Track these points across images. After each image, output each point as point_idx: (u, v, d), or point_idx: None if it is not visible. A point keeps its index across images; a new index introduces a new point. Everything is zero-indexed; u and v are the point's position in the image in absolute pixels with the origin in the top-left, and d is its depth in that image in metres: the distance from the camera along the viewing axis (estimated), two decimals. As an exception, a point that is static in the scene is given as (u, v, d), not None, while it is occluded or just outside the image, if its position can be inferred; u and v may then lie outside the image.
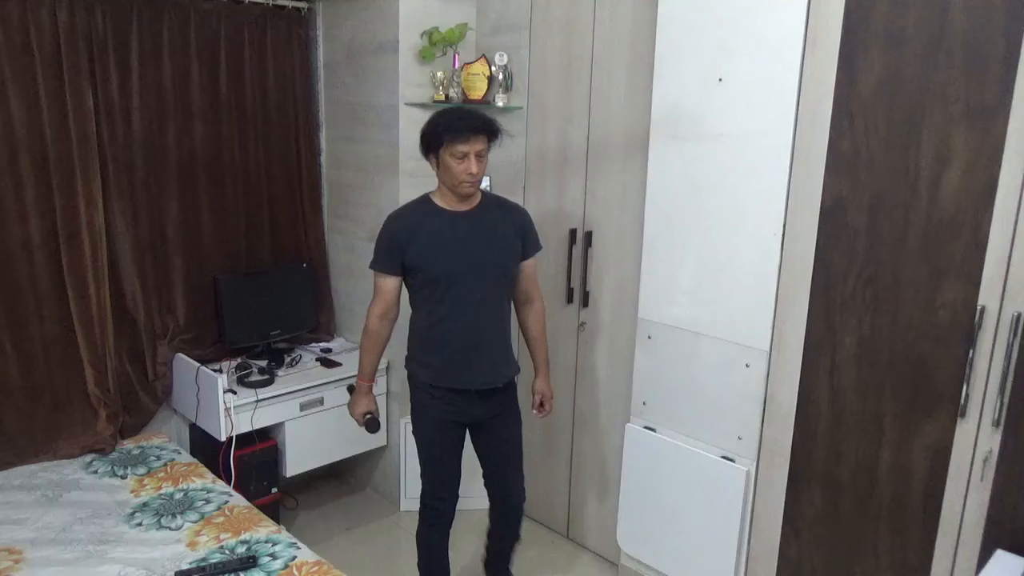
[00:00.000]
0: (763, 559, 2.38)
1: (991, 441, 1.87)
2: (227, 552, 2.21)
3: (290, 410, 3.01)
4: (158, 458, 2.79)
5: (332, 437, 3.14)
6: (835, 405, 2.16)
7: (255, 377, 2.99)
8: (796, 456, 2.26)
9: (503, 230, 2.31)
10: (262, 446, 2.99)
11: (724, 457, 2.39)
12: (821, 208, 2.10)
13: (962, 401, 1.90)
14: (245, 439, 2.92)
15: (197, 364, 2.96)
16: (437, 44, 2.94)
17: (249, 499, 2.62)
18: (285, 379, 3.04)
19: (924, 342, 1.96)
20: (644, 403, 2.60)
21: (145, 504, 2.48)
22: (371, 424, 2.43)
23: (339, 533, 3.16)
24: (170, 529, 2.33)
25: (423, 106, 2.97)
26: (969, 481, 1.92)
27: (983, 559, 1.89)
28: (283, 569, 2.13)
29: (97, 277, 2.81)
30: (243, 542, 2.26)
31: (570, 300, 2.93)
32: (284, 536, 2.31)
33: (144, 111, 2.88)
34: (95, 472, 2.69)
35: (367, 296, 2.39)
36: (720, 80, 2.24)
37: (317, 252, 3.44)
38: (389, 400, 3.28)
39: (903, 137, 1.93)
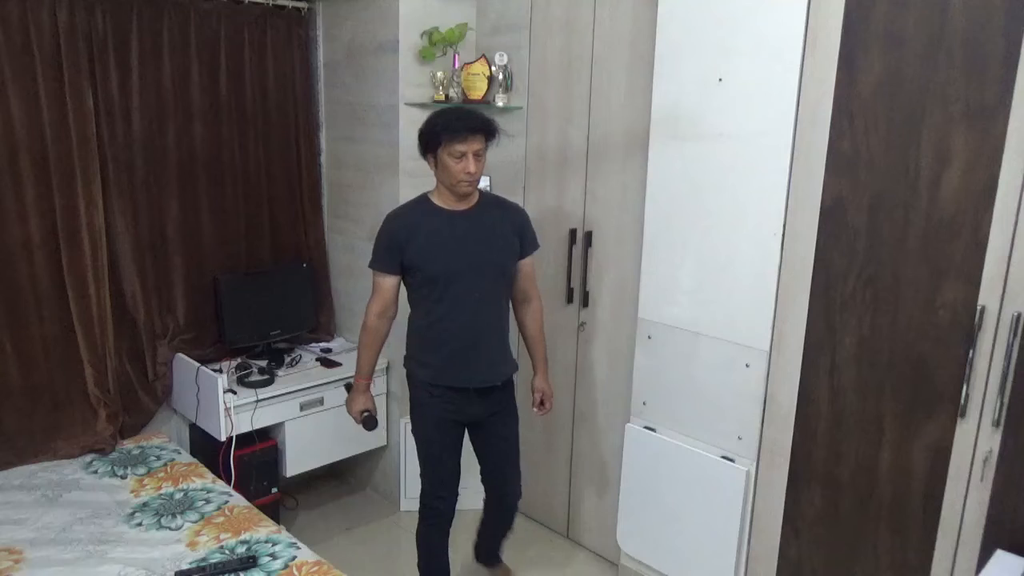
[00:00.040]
0: (763, 559, 2.38)
1: (991, 441, 1.87)
2: (227, 552, 2.21)
3: (290, 410, 3.01)
4: (158, 458, 2.79)
5: (332, 437, 3.14)
6: (835, 405, 2.16)
7: (255, 377, 2.99)
8: (796, 456, 2.26)
9: (501, 229, 2.32)
10: (262, 446, 2.99)
11: (724, 457, 2.39)
12: (821, 208, 2.10)
13: (962, 401, 1.90)
14: (245, 439, 2.92)
15: (197, 364, 2.96)
16: (437, 44, 2.94)
17: (249, 499, 2.62)
18: (285, 379, 3.04)
19: (924, 342, 1.96)
20: (644, 403, 2.60)
21: (145, 504, 2.48)
22: (368, 422, 2.43)
23: (339, 533, 3.16)
24: (170, 529, 2.33)
25: (423, 106, 2.97)
26: (969, 481, 1.92)
27: (983, 559, 1.89)
28: (283, 569, 2.13)
29: (97, 277, 2.81)
30: (243, 542, 2.26)
31: (570, 300, 2.93)
32: (284, 536, 2.31)
33: (144, 111, 2.88)
34: (95, 472, 2.69)
35: (367, 296, 2.39)
36: (720, 80, 2.24)
37: (317, 252, 3.44)
38: (389, 400, 3.27)
39: (903, 137, 1.93)
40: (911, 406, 2.01)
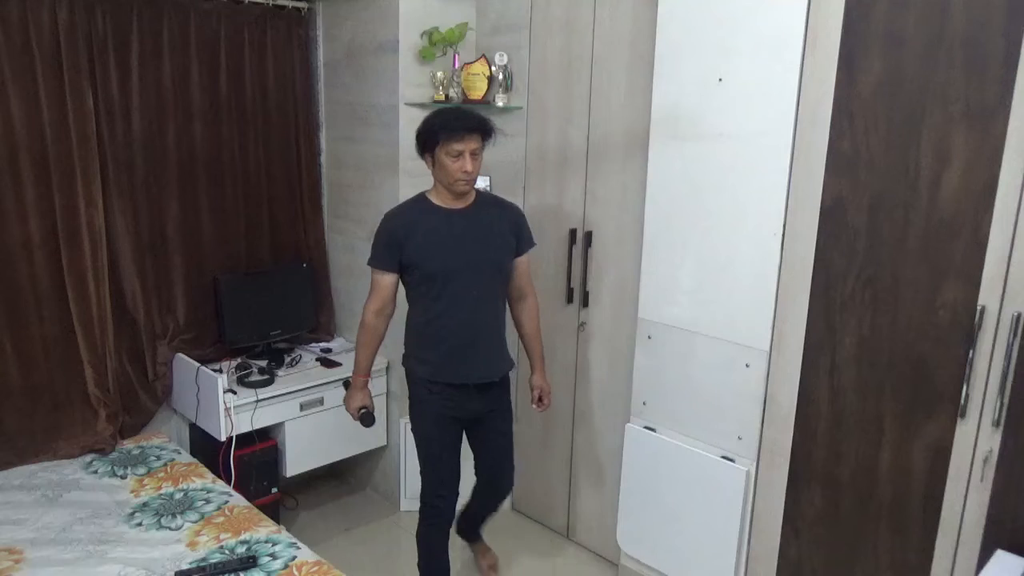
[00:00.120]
0: (763, 559, 2.38)
1: (991, 441, 1.87)
2: (227, 552, 2.21)
3: (290, 410, 3.01)
4: (158, 458, 2.79)
5: (332, 437, 3.14)
6: (835, 405, 2.16)
7: (255, 377, 2.99)
8: (796, 456, 2.26)
9: (499, 227, 2.36)
10: (262, 446, 2.99)
11: (724, 457, 2.39)
12: (821, 208, 2.10)
13: (962, 401, 1.90)
14: (245, 439, 2.92)
15: (197, 364, 2.96)
16: (437, 44, 2.94)
17: (249, 499, 2.62)
18: (285, 379, 3.04)
19: (924, 342, 1.96)
20: (644, 403, 2.60)
21: (145, 504, 2.48)
22: (366, 418, 2.44)
23: (339, 533, 3.16)
24: (170, 529, 2.33)
25: (423, 106, 2.96)
26: (969, 481, 1.92)
27: (983, 559, 1.89)
28: (283, 569, 2.13)
29: (97, 277, 2.81)
30: (243, 542, 2.26)
31: (570, 300, 2.93)
32: (284, 536, 2.31)
33: (144, 111, 2.88)
34: (95, 472, 2.69)
35: (367, 296, 2.39)
36: (720, 80, 2.24)
37: (317, 252, 3.44)
38: (388, 400, 3.28)
39: (903, 137, 1.93)
40: (911, 406, 2.01)
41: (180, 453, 2.85)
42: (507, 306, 2.52)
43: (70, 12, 2.63)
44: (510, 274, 2.43)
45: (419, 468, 2.45)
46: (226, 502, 2.49)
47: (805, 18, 2.04)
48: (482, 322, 2.35)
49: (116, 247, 2.90)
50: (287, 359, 3.18)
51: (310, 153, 3.36)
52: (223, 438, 2.84)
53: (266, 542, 2.27)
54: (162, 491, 2.56)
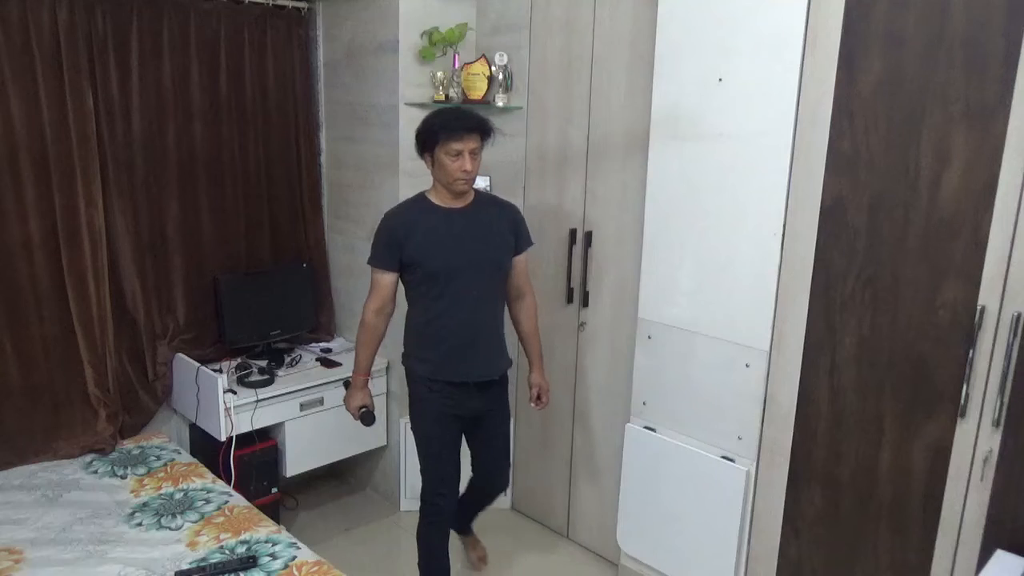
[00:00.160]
0: (763, 559, 2.38)
1: (991, 441, 1.87)
2: (227, 552, 2.21)
3: (290, 410, 3.01)
4: (158, 458, 2.79)
5: (332, 437, 3.14)
6: (835, 405, 2.16)
7: (255, 377, 2.99)
8: (796, 456, 2.26)
9: (498, 227, 2.38)
10: (262, 446, 2.99)
11: (724, 457, 2.39)
12: (821, 208, 2.10)
13: (962, 401, 1.90)
14: (245, 439, 2.92)
15: (197, 364, 2.96)
16: (437, 44, 2.94)
17: (249, 499, 2.62)
18: (285, 379, 3.04)
19: (924, 342, 1.96)
20: (644, 403, 2.60)
21: (145, 504, 2.48)
22: (366, 417, 2.44)
23: (339, 533, 3.16)
24: (170, 529, 2.33)
25: (423, 106, 2.96)
26: (969, 481, 1.92)
27: (983, 559, 1.89)
28: (283, 569, 2.13)
29: (97, 277, 2.81)
30: (243, 542, 2.26)
31: (570, 300, 2.93)
32: (284, 536, 2.31)
33: (144, 111, 2.88)
34: (95, 472, 2.69)
35: (367, 296, 2.39)
36: (720, 80, 2.24)
37: (317, 252, 3.44)
38: (388, 400, 3.27)
39: (903, 137, 1.93)
40: (911, 406, 2.01)
41: (180, 453, 2.85)
42: (505, 305, 2.53)
43: (70, 12, 2.63)
44: (509, 273, 2.44)
45: (419, 467, 2.45)
46: (226, 502, 2.50)
47: (805, 18, 2.04)
48: (482, 321, 2.36)
49: (116, 247, 2.90)
50: (287, 359, 3.18)
51: (310, 153, 3.36)
52: (223, 438, 2.84)
53: (266, 542, 2.27)
54: (162, 491, 2.56)
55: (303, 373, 3.12)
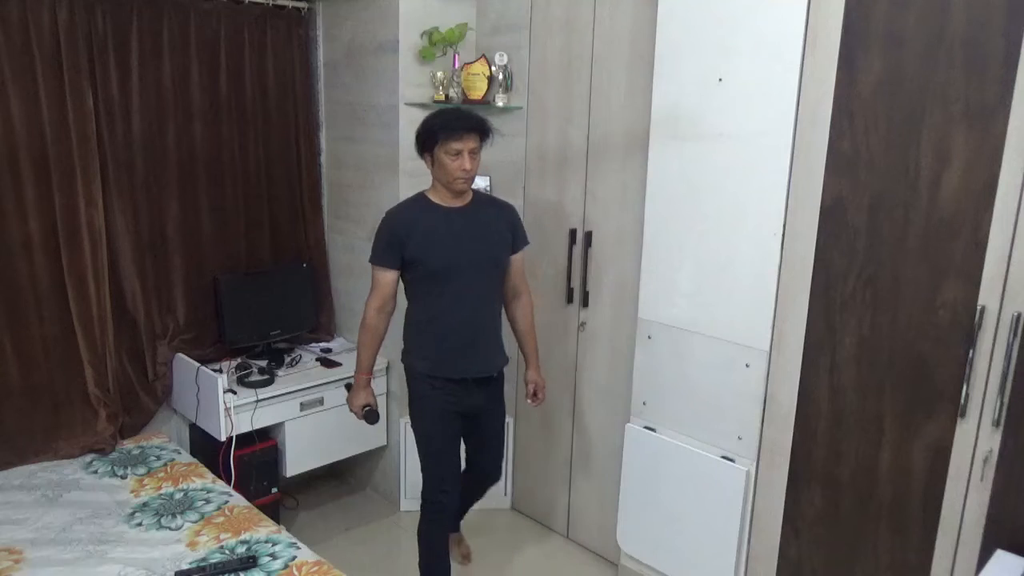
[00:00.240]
0: (763, 559, 2.38)
1: (991, 441, 1.87)
2: (227, 552, 2.21)
3: (290, 410, 3.01)
4: (158, 458, 2.79)
5: (332, 437, 3.14)
6: (835, 405, 2.16)
7: (255, 377, 2.99)
8: (796, 456, 2.26)
9: (496, 226, 2.41)
10: (262, 446, 2.99)
11: (724, 457, 2.39)
12: (821, 208, 2.10)
13: (962, 401, 1.90)
14: (245, 439, 2.92)
15: (197, 364, 2.96)
16: (437, 44, 2.94)
17: (249, 499, 2.62)
18: (285, 379, 3.04)
19: (924, 342, 1.96)
20: (644, 403, 2.60)
21: (145, 504, 2.48)
22: (370, 416, 2.45)
23: (339, 533, 3.16)
24: (170, 529, 2.33)
25: (423, 106, 2.96)
26: (969, 481, 1.92)
27: (983, 559, 1.89)
28: (283, 569, 2.13)
29: (97, 277, 2.81)
30: (243, 542, 2.26)
31: (570, 300, 2.93)
32: (284, 536, 2.31)
33: (144, 111, 2.88)
34: (95, 472, 2.69)
35: (367, 295, 2.40)
36: (720, 80, 2.24)
37: (317, 252, 3.44)
38: (388, 400, 3.27)
39: (903, 137, 1.93)
40: (911, 406, 2.01)
41: (180, 453, 2.85)
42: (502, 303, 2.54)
43: (70, 12, 2.63)
44: (506, 272, 2.46)
45: (420, 465, 2.45)
46: (226, 502, 2.49)
47: (805, 18, 2.04)
48: (481, 318, 2.39)
49: (116, 247, 2.90)
50: (287, 359, 3.18)
51: (310, 153, 3.36)
52: (223, 438, 2.84)
53: (266, 542, 2.27)
54: (162, 491, 2.56)
55: (303, 373, 3.12)
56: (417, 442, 2.45)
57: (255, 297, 3.21)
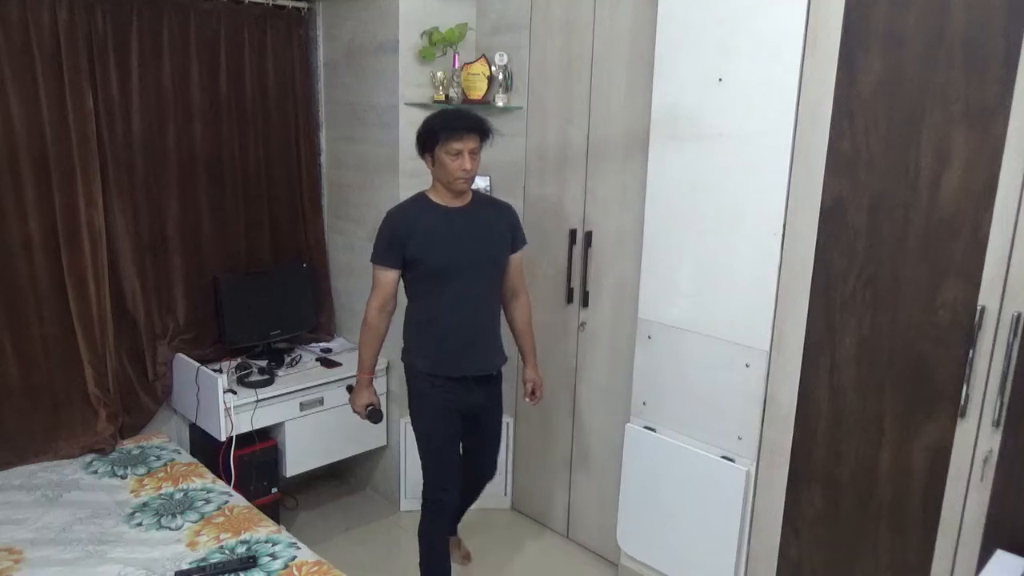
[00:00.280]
0: (763, 559, 2.38)
1: (991, 441, 1.87)
2: (227, 552, 2.21)
3: (290, 410, 3.01)
4: (158, 458, 2.79)
5: (332, 437, 3.14)
6: (835, 405, 2.16)
7: (255, 377, 2.99)
8: (796, 456, 2.26)
9: (496, 226, 2.43)
10: (262, 446, 2.99)
11: (724, 457, 2.39)
12: (821, 208, 2.10)
13: (962, 401, 1.90)
14: (245, 439, 2.92)
15: (197, 364, 2.96)
16: (437, 44, 2.94)
17: (249, 499, 2.62)
18: (285, 379, 3.04)
19: (924, 342, 1.96)
20: (644, 403, 2.60)
21: (145, 504, 2.48)
22: (374, 415, 2.46)
23: (339, 533, 3.16)
24: (170, 529, 2.33)
25: (423, 106, 2.96)
26: (969, 481, 1.92)
27: (983, 559, 1.89)
28: (283, 569, 2.13)
29: (97, 277, 2.81)
30: (243, 542, 2.26)
31: (570, 300, 2.93)
32: (284, 536, 2.31)
33: (144, 111, 2.88)
34: (95, 472, 2.69)
35: (367, 296, 2.41)
36: (720, 80, 2.24)
37: (317, 252, 3.44)
38: (389, 401, 3.27)
39: (903, 137, 1.93)
40: (911, 406, 2.01)
41: (180, 453, 2.85)
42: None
43: (70, 12, 2.63)
44: (505, 271, 2.48)
45: (420, 464, 2.45)
46: (226, 502, 2.49)
47: (805, 18, 2.04)
48: (481, 318, 2.41)
49: (116, 247, 2.90)
50: (287, 359, 3.18)
51: (310, 153, 3.36)
52: (223, 438, 2.84)
53: (266, 542, 2.27)
54: (162, 491, 2.56)
55: (303, 373, 3.12)
56: (417, 441, 2.45)
57: (255, 297, 3.21)
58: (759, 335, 2.26)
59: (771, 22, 2.10)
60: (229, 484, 2.72)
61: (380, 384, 3.20)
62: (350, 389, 2.51)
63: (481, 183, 3.03)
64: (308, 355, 3.28)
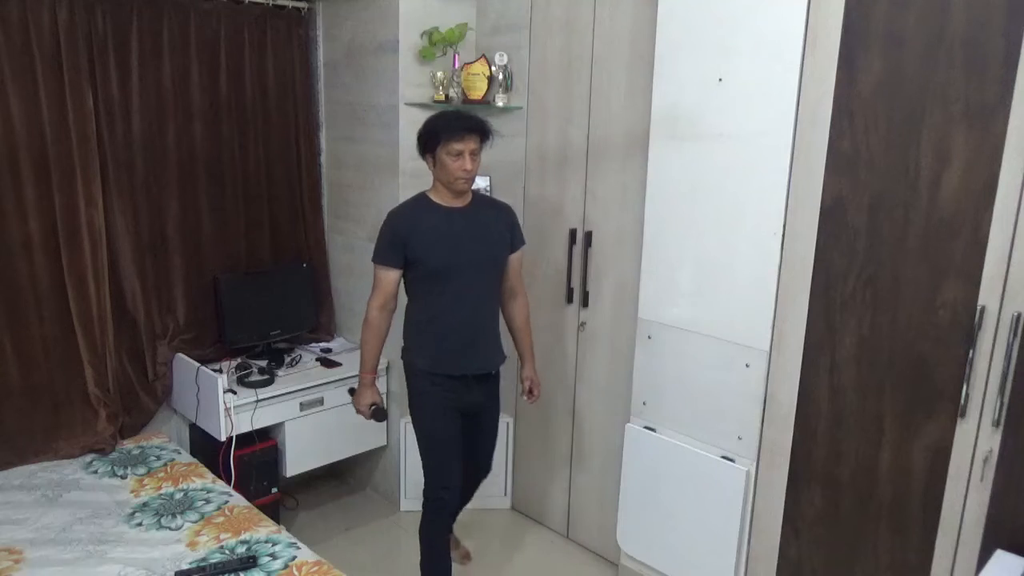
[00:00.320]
0: (763, 559, 2.38)
1: (991, 441, 1.87)
2: (227, 552, 2.21)
3: (290, 410, 3.01)
4: (158, 458, 2.79)
5: (332, 437, 3.14)
6: (835, 405, 2.16)
7: (255, 377, 2.99)
8: (796, 456, 2.26)
9: (496, 226, 2.45)
10: (262, 446, 2.99)
11: (724, 457, 2.39)
12: (821, 208, 2.10)
13: (962, 401, 1.90)
14: (245, 439, 2.92)
15: (197, 364, 2.96)
16: (437, 44, 2.94)
17: (249, 499, 2.62)
18: (285, 379, 3.04)
19: (924, 342, 1.96)
20: (644, 403, 2.60)
21: (145, 504, 2.48)
22: (378, 413, 2.47)
23: (339, 533, 3.16)
24: (170, 529, 2.33)
25: (423, 106, 2.97)
26: (969, 481, 1.92)
27: (983, 559, 1.88)
28: (283, 569, 2.13)
29: (97, 277, 2.81)
30: (243, 542, 2.26)
31: (570, 300, 2.93)
32: (284, 536, 2.31)
33: (144, 111, 2.88)
34: (95, 472, 2.69)
35: (367, 296, 2.41)
36: (720, 80, 2.24)
37: (317, 252, 3.44)
38: (389, 400, 3.27)
39: (903, 137, 1.93)
40: (911, 406, 2.01)
41: (180, 453, 2.85)
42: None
43: (70, 12, 2.63)
44: (504, 271, 2.50)
45: (421, 463, 2.46)
46: (226, 502, 2.49)
47: (805, 18, 2.04)
48: (481, 317, 2.43)
49: (116, 247, 2.90)
50: (287, 359, 3.18)
51: (310, 153, 3.36)
52: (223, 438, 2.84)
53: (266, 542, 2.27)
54: (162, 491, 2.56)
55: (303, 373, 3.12)
56: (418, 439, 2.46)
57: (255, 297, 3.21)
58: (759, 335, 2.26)
59: (771, 22, 2.10)
60: (229, 484, 2.72)
61: (380, 384, 3.19)
62: (352, 392, 2.51)
63: (481, 183, 3.03)
64: (308, 355, 3.28)
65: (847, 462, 2.16)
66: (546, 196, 2.96)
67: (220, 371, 2.91)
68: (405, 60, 2.95)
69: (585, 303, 2.89)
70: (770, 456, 2.31)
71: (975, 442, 1.90)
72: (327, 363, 3.21)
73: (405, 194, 2.76)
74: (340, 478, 3.58)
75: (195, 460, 2.80)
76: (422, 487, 2.47)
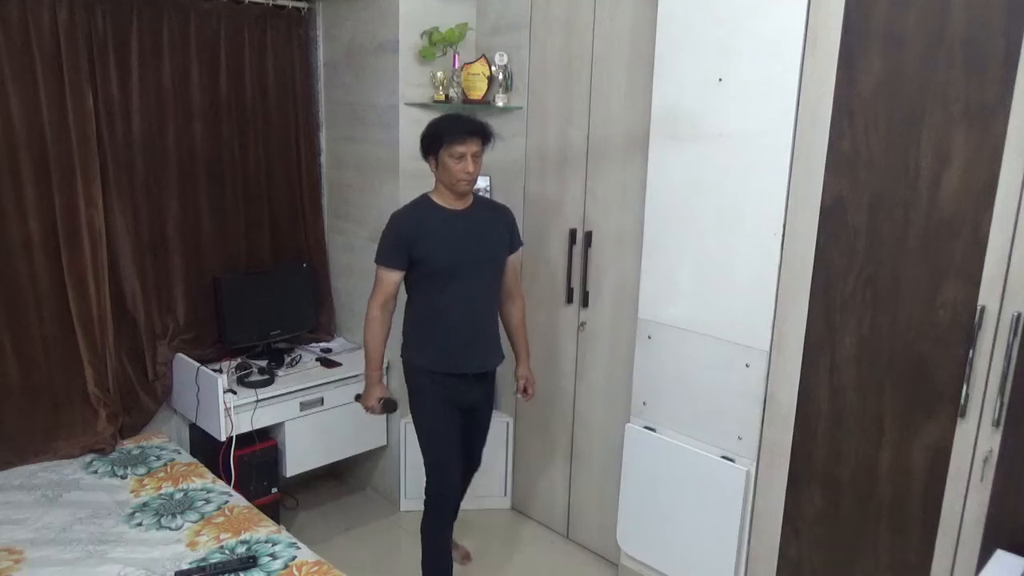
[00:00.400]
0: (763, 559, 2.38)
1: (991, 441, 1.87)
2: (227, 552, 2.21)
3: (290, 410, 3.01)
4: (158, 458, 2.79)
5: (332, 437, 3.14)
6: (835, 405, 2.16)
7: (255, 377, 2.99)
8: (796, 456, 2.26)
9: (496, 227, 2.49)
10: (262, 446, 2.99)
11: (724, 457, 2.39)
12: (821, 208, 2.10)
13: (962, 401, 1.90)
14: (245, 439, 2.92)
15: (197, 364, 2.96)
16: (437, 44, 2.94)
17: (249, 499, 2.62)
18: (285, 379, 3.04)
19: (924, 342, 1.96)
20: (644, 403, 2.60)
21: (145, 504, 2.48)
22: (388, 405, 2.49)
23: (339, 533, 3.16)
24: (170, 529, 2.33)
25: (423, 106, 2.97)
26: (969, 481, 1.92)
27: (983, 559, 1.88)
28: (283, 569, 2.13)
29: (97, 277, 2.81)
30: (243, 542, 2.26)
31: (570, 300, 2.93)
32: (284, 536, 2.31)
33: (144, 111, 2.88)
34: (95, 472, 2.69)
35: (367, 296, 2.43)
36: (720, 80, 2.24)
37: (317, 252, 3.44)
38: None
39: (903, 137, 1.93)
40: (911, 406, 2.01)
41: (180, 453, 2.85)
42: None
43: (70, 12, 2.63)
44: (503, 271, 2.53)
45: (423, 462, 2.47)
46: (226, 502, 2.50)
47: (805, 18, 2.04)
48: (481, 316, 2.46)
49: (116, 247, 2.90)
50: (287, 359, 3.18)
51: (310, 153, 3.36)
52: (223, 438, 2.84)
53: (266, 542, 2.27)
54: (162, 491, 2.56)
55: (303, 373, 3.12)
56: (419, 437, 2.47)
57: (255, 297, 3.21)
58: (759, 335, 2.26)
59: (771, 22, 2.10)
60: (229, 484, 2.72)
61: (380, 384, 3.20)
62: (358, 398, 2.55)
63: (481, 183, 3.03)
64: (308, 355, 3.28)
65: (847, 462, 2.16)
66: (546, 196, 2.96)
67: (220, 371, 2.91)
68: (405, 60, 2.95)
69: (585, 303, 2.89)
70: (770, 456, 2.31)
71: (975, 442, 1.90)
72: (327, 363, 3.21)
73: (405, 194, 2.77)
74: (340, 478, 3.58)
75: (195, 460, 2.80)
76: (422, 486, 2.48)
